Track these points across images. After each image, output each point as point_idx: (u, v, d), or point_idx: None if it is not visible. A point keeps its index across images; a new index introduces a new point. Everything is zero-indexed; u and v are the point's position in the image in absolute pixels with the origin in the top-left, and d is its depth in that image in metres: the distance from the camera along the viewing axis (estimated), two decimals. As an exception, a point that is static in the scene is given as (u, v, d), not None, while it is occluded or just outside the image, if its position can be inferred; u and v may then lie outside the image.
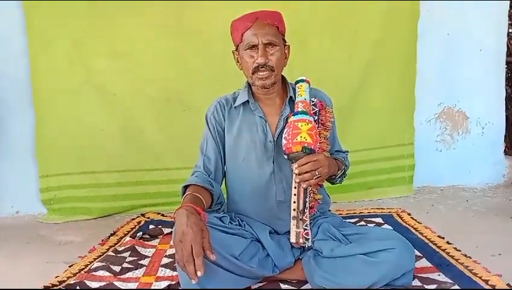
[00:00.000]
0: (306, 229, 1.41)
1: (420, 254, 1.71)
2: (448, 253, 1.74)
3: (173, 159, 2.66)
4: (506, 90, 2.98)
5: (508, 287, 1.41)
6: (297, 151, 1.38)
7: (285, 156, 1.44)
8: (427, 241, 1.89)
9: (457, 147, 2.98)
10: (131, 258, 1.81)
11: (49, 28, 2.54)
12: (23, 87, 2.59)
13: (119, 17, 2.57)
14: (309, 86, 1.55)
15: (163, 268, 1.71)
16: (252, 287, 1.49)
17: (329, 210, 1.73)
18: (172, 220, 1.27)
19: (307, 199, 1.42)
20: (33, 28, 2.53)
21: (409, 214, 2.32)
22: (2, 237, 2.26)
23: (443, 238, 1.91)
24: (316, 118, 1.51)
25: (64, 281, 1.60)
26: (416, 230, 2.05)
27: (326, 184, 1.65)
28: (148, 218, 2.44)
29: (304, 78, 1.56)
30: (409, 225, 2.14)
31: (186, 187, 1.47)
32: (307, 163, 1.37)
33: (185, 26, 2.61)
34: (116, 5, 2.55)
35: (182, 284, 1.36)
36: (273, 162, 1.55)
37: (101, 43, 2.58)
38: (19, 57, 2.57)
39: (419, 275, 1.53)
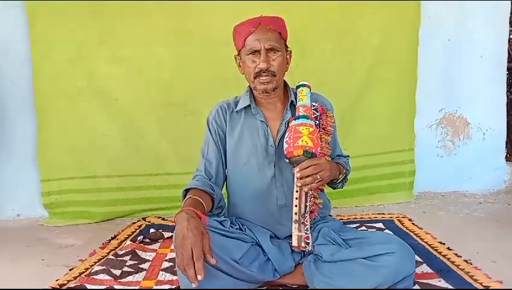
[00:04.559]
0: (307, 233, 1.41)
1: (421, 260, 1.71)
2: (449, 259, 1.73)
3: (174, 164, 2.66)
4: (507, 96, 2.97)
5: (509, 293, 1.41)
6: (298, 155, 1.39)
7: (287, 160, 1.44)
8: (427, 247, 1.88)
9: (459, 153, 2.97)
10: (131, 262, 1.81)
11: (52, 33, 2.55)
12: (26, 91, 2.60)
13: (122, 21, 2.58)
14: (310, 90, 1.56)
15: (163, 272, 1.70)
16: (252, 292, 1.49)
17: (330, 215, 1.73)
18: (173, 224, 1.27)
19: (308, 203, 1.42)
20: (36, 32, 2.54)
21: (410, 220, 2.32)
22: (3, 239, 2.27)
23: (444, 244, 1.91)
24: (317, 122, 1.52)
25: (64, 284, 1.60)
26: (417, 236, 2.04)
27: (327, 189, 1.65)
28: (149, 222, 2.44)
29: (305, 82, 1.57)
30: (409, 230, 2.14)
31: (187, 191, 1.48)
32: (308, 167, 1.37)
33: (187, 31, 2.62)
34: (118, 10, 2.56)
35: (182, 288, 1.36)
36: (274, 166, 1.56)
37: (103, 48, 2.59)
38: (21, 61, 2.58)
39: (420, 280, 1.53)
